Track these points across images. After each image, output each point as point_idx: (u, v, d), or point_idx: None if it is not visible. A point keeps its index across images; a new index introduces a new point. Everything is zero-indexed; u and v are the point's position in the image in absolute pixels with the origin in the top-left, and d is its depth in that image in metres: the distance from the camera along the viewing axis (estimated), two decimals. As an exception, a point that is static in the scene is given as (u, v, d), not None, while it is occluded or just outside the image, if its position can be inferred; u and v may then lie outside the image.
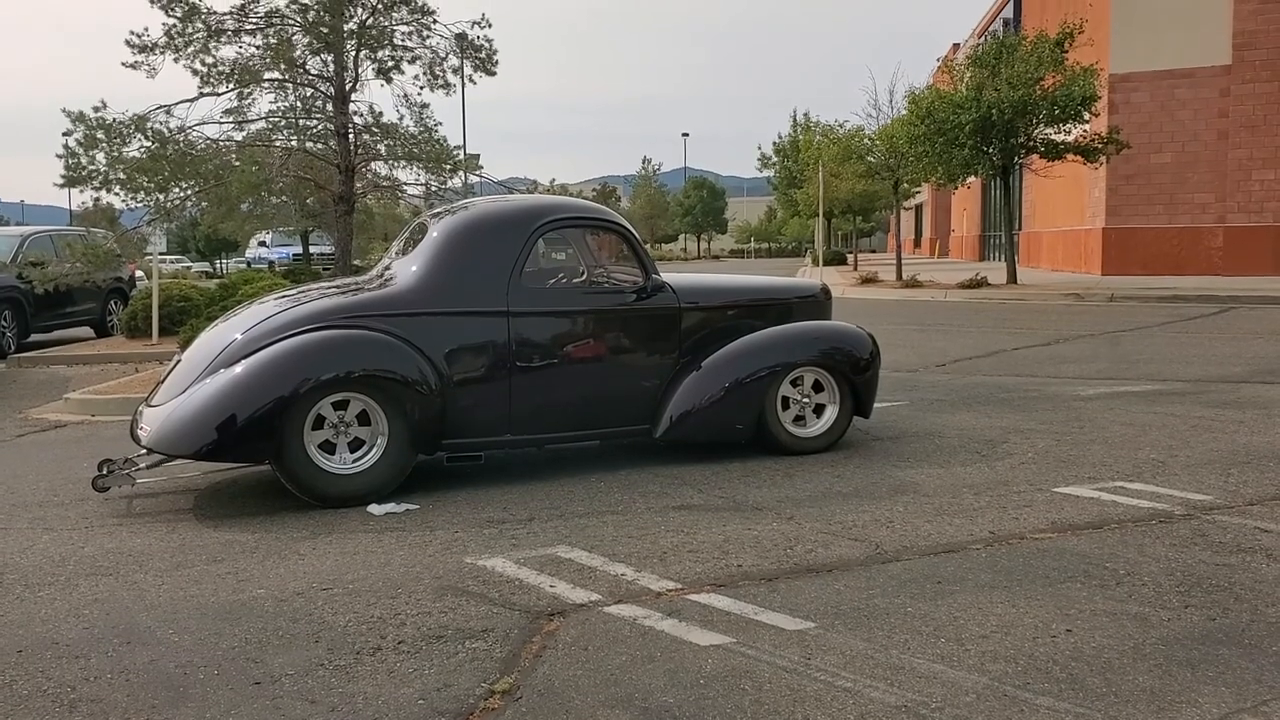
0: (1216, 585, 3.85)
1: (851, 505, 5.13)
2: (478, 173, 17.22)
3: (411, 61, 12.73)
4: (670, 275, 6.63)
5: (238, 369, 5.41)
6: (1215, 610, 3.60)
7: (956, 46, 46.45)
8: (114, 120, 11.34)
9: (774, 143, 58.66)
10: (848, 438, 6.69)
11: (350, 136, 12.62)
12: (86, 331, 16.88)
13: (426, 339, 5.68)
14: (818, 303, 7.21)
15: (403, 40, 12.57)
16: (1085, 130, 22.22)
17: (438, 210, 6.81)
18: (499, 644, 3.42)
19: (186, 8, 11.64)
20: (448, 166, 13.56)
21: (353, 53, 12.31)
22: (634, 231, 6.61)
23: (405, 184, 14.58)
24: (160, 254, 14.57)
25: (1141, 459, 6.01)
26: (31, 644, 3.54)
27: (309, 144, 13.26)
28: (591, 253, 6.73)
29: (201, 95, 11.94)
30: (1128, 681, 3.04)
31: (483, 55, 13.06)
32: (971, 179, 26.64)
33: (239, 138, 12.67)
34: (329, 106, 12.65)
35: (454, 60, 12.98)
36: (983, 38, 33.00)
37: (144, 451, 5.70)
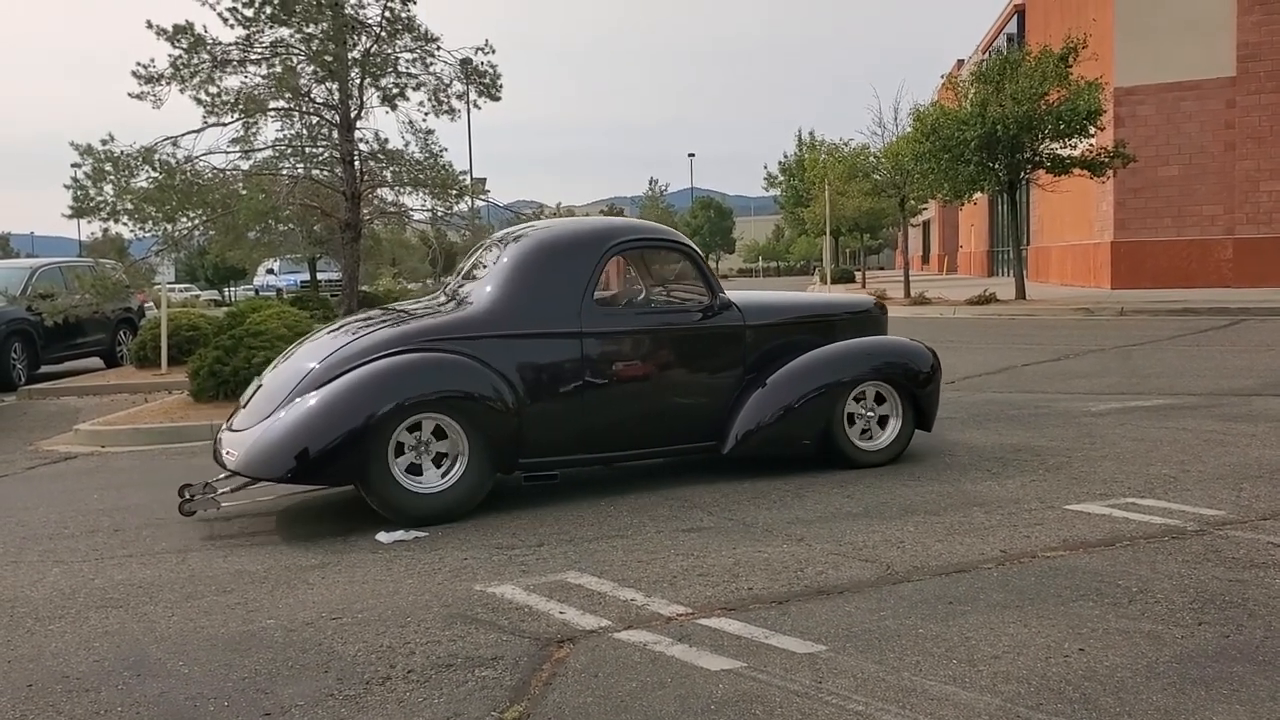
0: (1230, 602, 3.82)
1: (862, 525, 5.10)
2: (484, 197, 17.29)
3: (416, 88, 12.76)
4: (733, 293, 6.78)
5: (323, 393, 5.54)
6: (1229, 627, 3.57)
7: (961, 63, 46.56)
8: (121, 153, 11.39)
9: (780, 162, 58.72)
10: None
11: (356, 163, 12.65)
12: (96, 362, 16.93)
13: (503, 360, 5.83)
14: (873, 318, 7.34)
15: (407, 67, 12.60)
16: (1091, 144, 22.23)
17: (506, 233, 6.96)
18: (509, 672, 3.40)
19: (192, 39, 11.70)
20: (454, 191, 13.58)
21: (357, 80, 12.36)
22: (699, 251, 6.77)
23: (412, 209, 14.60)
24: (170, 283, 14.63)
25: (1153, 475, 5.98)
26: (41, 678, 3.54)
27: (315, 171, 13.30)
28: (650, 273, 6.97)
29: (207, 126, 12.00)
30: (1141, 701, 3.01)
31: (487, 80, 13.08)
32: (978, 195, 26.65)
33: (245, 166, 12.71)
34: (334, 134, 12.69)
35: (458, 86, 13.02)
36: (987, 54, 33.07)
37: (223, 475, 5.87)
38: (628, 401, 6.17)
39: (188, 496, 5.78)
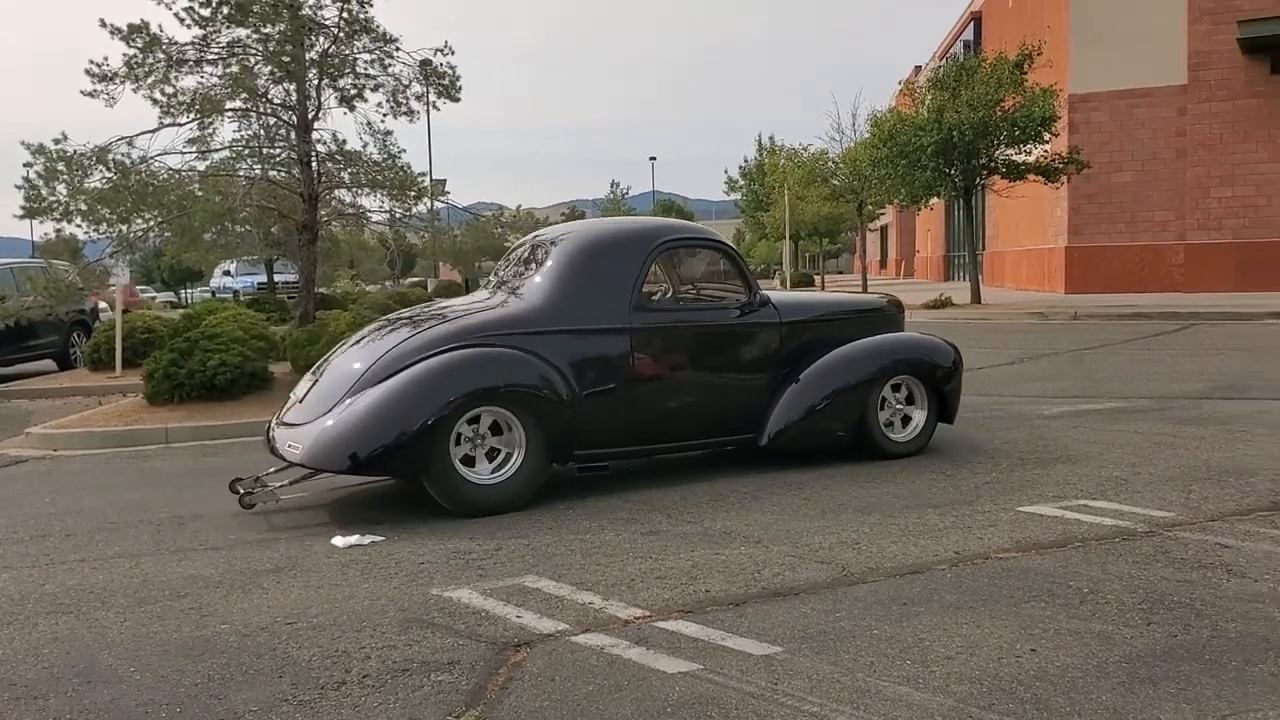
0: (1178, 602, 3.88)
1: (818, 527, 5.14)
2: (443, 199, 17.22)
3: (374, 89, 12.70)
4: (768, 293, 7.01)
5: (388, 387, 5.68)
6: (1177, 627, 3.63)
7: (918, 69, 46.98)
8: (74, 152, 11.24)
9: (740, 166, 58.99)
10: (809, 463, 6.74)
11: (313, 165, 12.57)
12: (49, 365, 16.68)
13: (558, 355, 6.03)
14: (890, 315, 7.65)
15: (365, 68, 12.54)
16: (1046, 150, 22.51)
17: (546, 232, 7.16)
18: (465, 676, 3.39)
19: (147, 38, 11.57)
20: (412, 193, 13.54)
21: (315, 81, 12.28)
22: (738, 250, 7.08)
23: (370, 211, 14.54)
24: (124, 285, 14.44)
25: (1105, 477, 6.07)
26: (-12, 686, 3.48)
27: (272, 173, 13.20)
28: (690, 271, 7.26)
29: (163, 126, 11.87)
30: (1091, 700, 3.06)
31: (446, 82, 13.04)
32: (935, 200, 26.91)
33: (201, 167, 12.59)
34: (292, 135, 12.60)
35: (417, 87, 12.97)
36: (943, 60, 33.38)
37: (274, 470, 6.17)
38: (672, 395, 6.41)
39: (244, 491, 5.97)
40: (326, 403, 5.86)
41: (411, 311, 6.86)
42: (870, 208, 30.84)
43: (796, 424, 6.65)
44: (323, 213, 13.45)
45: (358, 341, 6.43)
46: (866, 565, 4.47)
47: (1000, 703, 3.06)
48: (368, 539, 5.23)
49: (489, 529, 5.35)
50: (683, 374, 6.46)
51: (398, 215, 14.16)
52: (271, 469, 6.24)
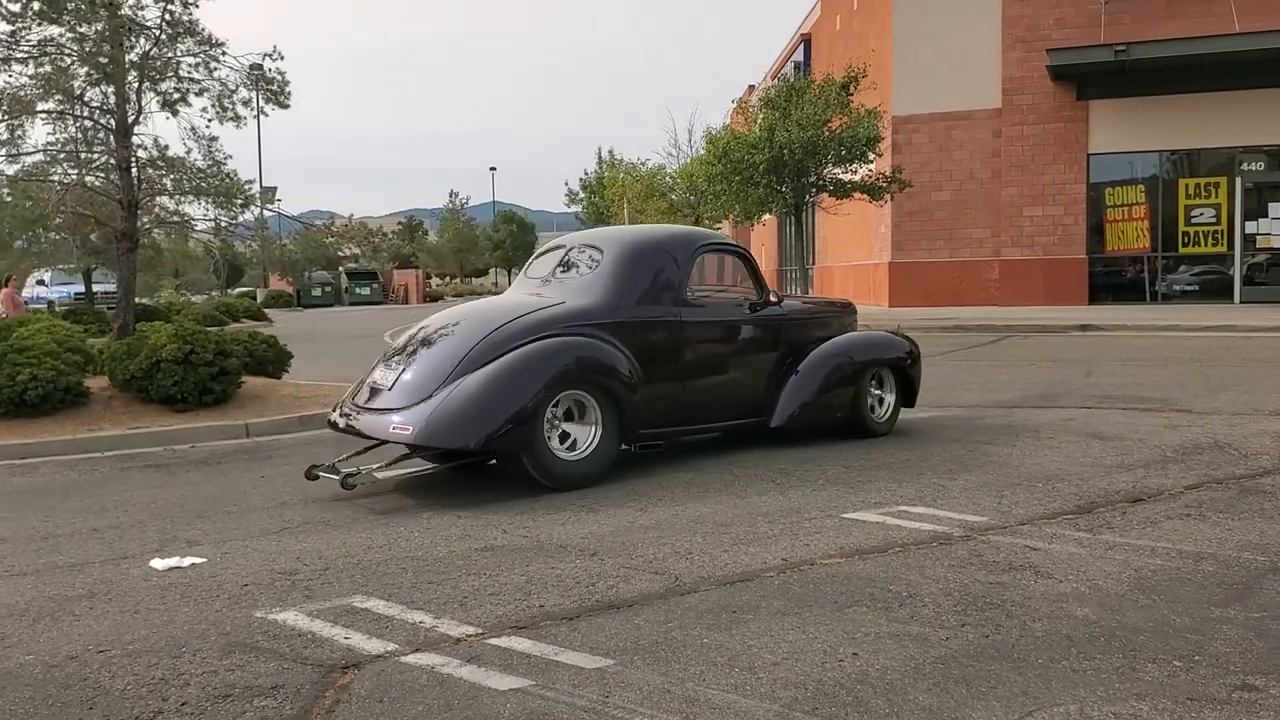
0: (990, 603, 4.09)
1: (653, 538, 5.20)
2: (272, 207, 16.73)
3: (199, 94, 12.26)
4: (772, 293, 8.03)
5: (494, 370, 6.34)
6: (989, 627, 3.82)
7: (752, 88, 48.15)
8: None
9: (580, 179, 59.24)
10: (647, 473, 6.85)
11: (133, 170, 12.03)
12: None
13: (625, 343, 6.83)
14: (851, 313, 8.79)
15: (189, 72, 12.09)
16: (871, 170, 23.38)
17: (586, 236, 8.08)
18: (289, 701, 3.30)
19: (-53, 33, 10.90)
20: (239, 201, 13.12)
21: (135, 84, 11.76)
22: (752, 255, 8.20)
23: (195, 219, 14.01)
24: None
25: (923, 483, 6.33)
26: None
27: (90, 178, 12.59)
28: (713, 272, 8.05)
29: (-35, 126, 11.18)
30: (909, 701, 3.19)
31: (275, 88, 12.69)
32: (767, 216, 27.61)
33: (10, 171, 11.93)
34: (110, 139, 12.04)
35: (244, 93, 12.58)
36: (775, 80, 34.32)
37: (346, 455, 6.81)
38: (709, 380, 7.38)
39: (344, 474, 6.31)
40: (427, 388, 6.39)
41: (468, 308, 7.51)
42: (707, 223, 31.41)
43: (805, 407, 7.73)
44: (144, 220, 12.91)
45: (429, 335, 6.95)
46: (698, 575, 4.55)
47: (823, 707, 3.15)
48: (188, 561, 5.02)
49: (317, 549, 5.21)
50: (716, 361, 7.48)
51: (223, 224, 13.69)
52: (345, 454, 6.82)
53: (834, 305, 8.84)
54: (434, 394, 6.31)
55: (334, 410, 7.07)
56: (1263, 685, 3.24)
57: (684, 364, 7.18)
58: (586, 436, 6.56)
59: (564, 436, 6.49)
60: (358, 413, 6.70)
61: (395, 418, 6.34)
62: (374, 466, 6.49)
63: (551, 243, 8.15)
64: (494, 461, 6.89)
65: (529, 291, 7.48)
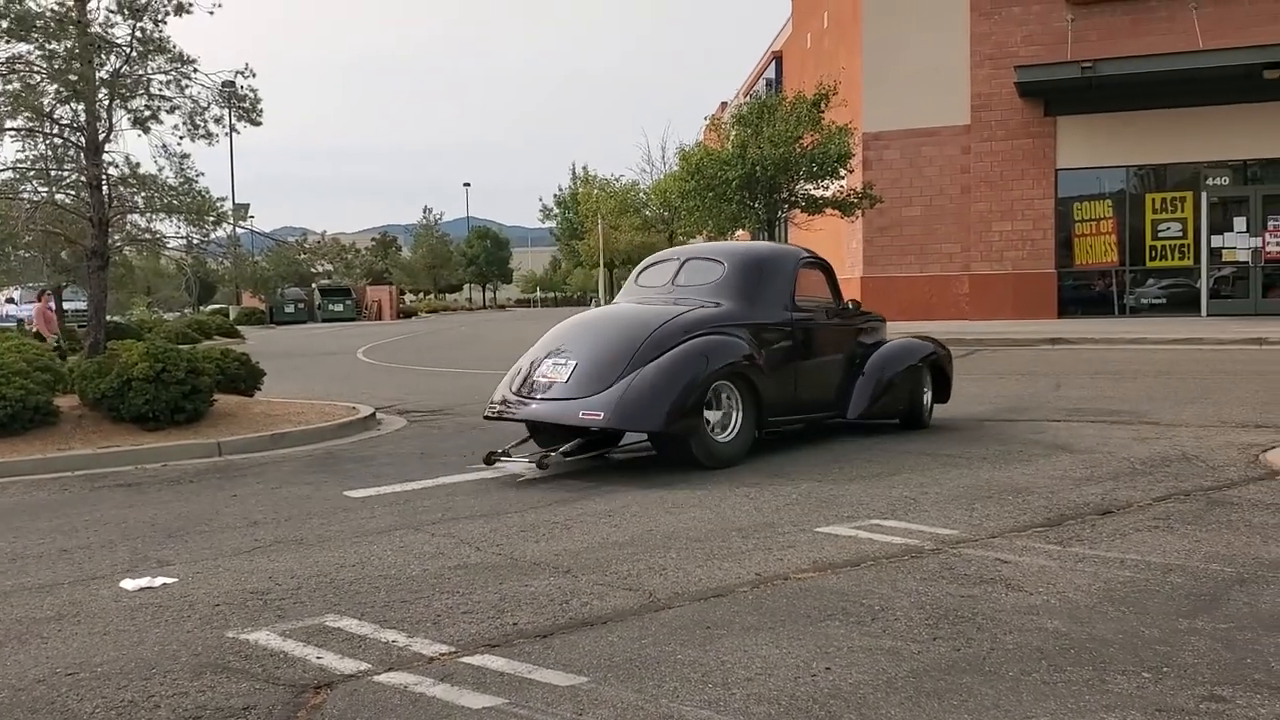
0: (961, 616, 4.11)
1: (627, 554, 5.20)
2: (244, 224, 16.65)
3: (170, 111, 12.18)
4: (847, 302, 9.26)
5: (666, 363, 7.32)
6: (960, 640, 3.84)
7: (724, 105, 48.39)
8: None
9: (555, 195, 59.32)
10: (621, 490, 6.88)
11: (104, 188, 11.94)
12: None
13: (756, 342, 7.94)
14: (883, 321, 9.83)
15: (160, 89, 12.01)
16: (842, 186, 23.54)
17: (699, 249, 9.35)
18: (262, 722, 3.28)
19: (-85, 49, 10.80)
20: (211, 218, 13.03)
21: (106, 101, 11.69)
22: (832, 268, 9.41)
23: (166, 237, 13.90)
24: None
25: (895, 496, 6.37)
26: None
27: (60, 195, 12.48)
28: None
29: (-67, 143, 11.08)
30: (881, 715, 3.21)
31: (247, 105, 12.63)
32: (741, 231, 27.73)
33: (-22, 189, 11.80)
34: (81, 157, 11.96)
35: (217, 110, 12.52)
36: (747, 97, 34.50)
37: (515, 443, 8.00)
38: (809, 375, 8.49)
39: (540, 456, 7.39)
40: (606, 379, 7.28)
41: (604, 312, 8.70)
42: (681, 238, 31.52)
43: (878, 401, 8.89)
44: (115, 238, 12.80)
45: (584, 336, 7.86)
46: (672, 591, 4.56)
47: (796, 721, 3.17)
48: (159, 581, 4.99)
49: (290, 568, 5.19)
50: (812, 360, 8.55)
51: (195, 241, 13.60)
52: (512, 443, 8.03)
53: (876, 314, 9.81)
54: (614, 384, 7.21)
55: (496, 405, 7.90)
56: (1229, 696, 3.28)
57: (793, 362, 8.31)
58: (730, 421, 7.58)
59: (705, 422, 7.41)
60: (531, 403, 7.56)
61: (582, 405, 7.20)
62: (565, 448, 7.60)
63: (659, 255, 9.41)
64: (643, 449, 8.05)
65: (655, 298, 8.41)
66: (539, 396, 7.52)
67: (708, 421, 7.44)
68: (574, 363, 7.51)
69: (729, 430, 7.58)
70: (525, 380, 7.76)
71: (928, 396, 9.39)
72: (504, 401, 7.84)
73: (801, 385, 8.37)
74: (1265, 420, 9.10)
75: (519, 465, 7.81)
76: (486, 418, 8.12)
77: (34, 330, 20.83)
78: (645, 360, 7.30)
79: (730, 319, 7.91)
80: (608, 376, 7.27)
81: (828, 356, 8.75)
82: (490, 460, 7.66)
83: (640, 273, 9.14)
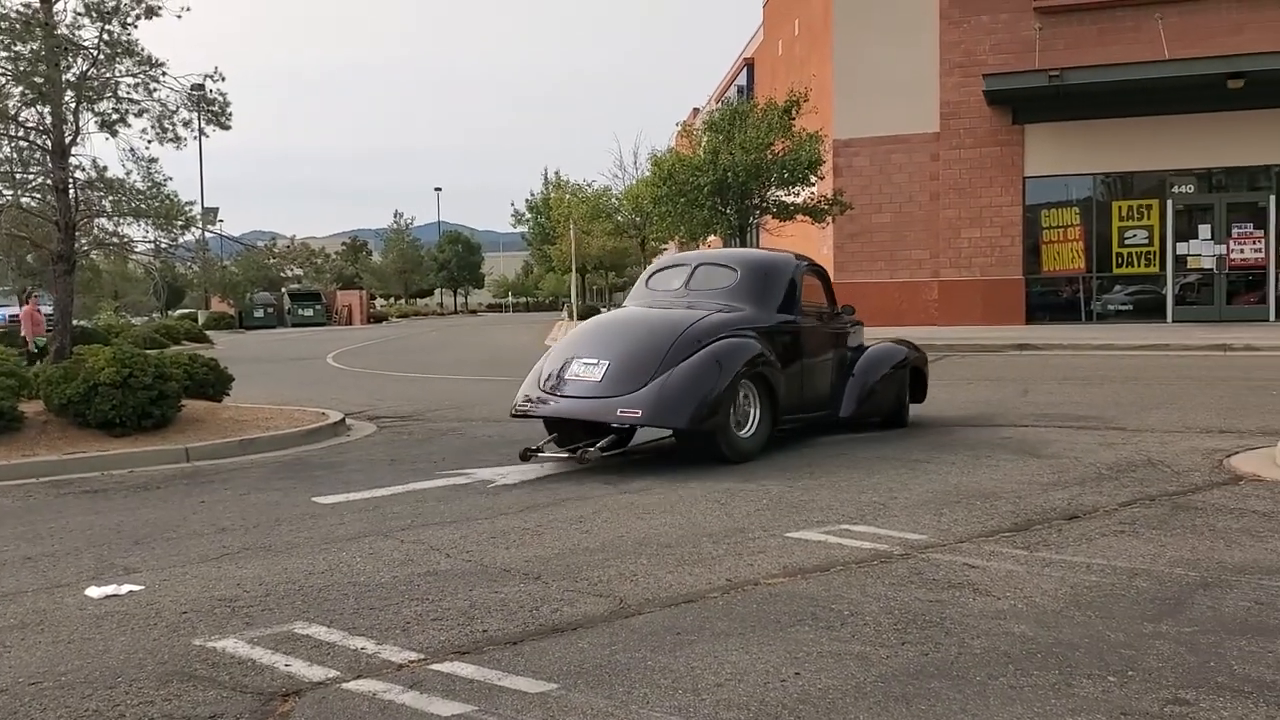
0: (929, 621, 4.14)
1: (598, 560, 5.20)
2: (213, 229, 16.54)
3: (139, 114, 12.08)
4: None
5: (696, 364, 7.72)
6: (928, 645, 3.87)
7: (696, 111, 48.50)
8: None
9: (526, 200, 59.22)
10: (591, 496, 6.89)
11: (71, 192, 11.83)
12: None
13: (770, 343, 8.37)
14: (860, 324, 10.18)
15: (128, 93, 11.92)
16: (813, 192, 23.65)
17: (709, 255, 10.33)
18: (229, 730, 3.26)
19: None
20: (179, 222, 12.94)
21: (72, 104, 11.59)
22: (827, 273, 9.94)
23: (134, 241, 13.79)
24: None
25: (864, 502, 6.40)
26: None
27: (25, 199, 12.36)
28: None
29: (-106, 146, 10.94)
30: None
31: (216, 109, 12.56)
32: (712, 237, 27.80)
33: (-60, 192, 11.67)
34: (47, 160, 11.84)
35: (185, 113, 12.43)
36: (719, 103, 34.60)
37: (548, 439, 8.24)
38: (812, 375, 8.96)
39: (581, 450, 7.70)
40: (639, 378, 7.65)
41: (629, 315, 8.90)
42: (653, 243, 31.56)
43: (867, 400, 9.40)
44: (82, 242, 12.69)
45: (613, 338, 8.23)
46: (643, 597, 4.56)
47: (765, 726, 3.17)
48: (125, 589, 4.94)
49: (258, 575, 5.15)
50: (816, 360, 9.02)
51: (164, 245, 13.50)
52: (544, 439, 8.26)
53: (858, 319, 10.20)
54: (647, 383, 7.59)
55: (524, 403, 8.23)
56: (1193, 699, 3.31)
57: (799, 363, 8.77)
58: (749, 419, 8.03)
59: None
60: (563, 399, 7.91)
61: (620, 403, 7.56)
62: (600, 443, 7.87)
63: (669, 260, 9.98)
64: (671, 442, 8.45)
65: (670, 302, 8.78)
66: (570, 395, 7.87)
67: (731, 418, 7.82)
68: (606, 363, 7.86)
69: (748, 427, 8.02)
70: (553, 379, 8.10)
71: (906, 396, 9.82)
72: (531, 400, 8.18)
73: (805, 385, 8.83)
74: (1229, 426, 9.21)
75: (550, 462, 8.10)
76: (513, 415, 8.49)
77: (21, 334, 20.84)
78: (675, 361, 7.69)
79: (747, 322, 8.35)
80: (641, 377, 7.64)
81: (825, 358, 9.22)
82: (526, 456, 7.97)
83: (650, 276, 9.56)
